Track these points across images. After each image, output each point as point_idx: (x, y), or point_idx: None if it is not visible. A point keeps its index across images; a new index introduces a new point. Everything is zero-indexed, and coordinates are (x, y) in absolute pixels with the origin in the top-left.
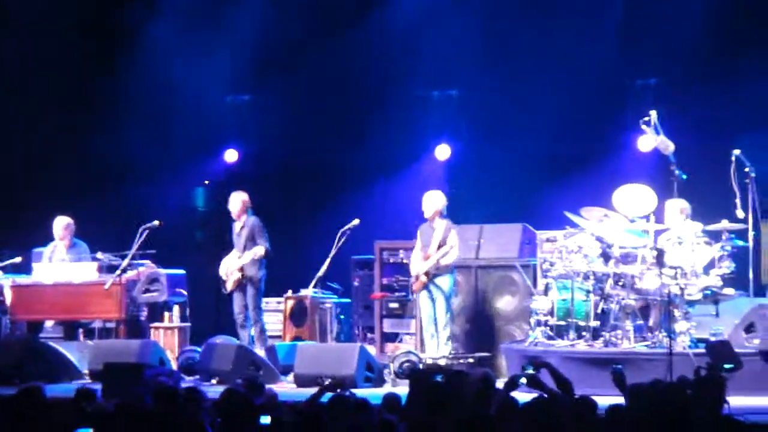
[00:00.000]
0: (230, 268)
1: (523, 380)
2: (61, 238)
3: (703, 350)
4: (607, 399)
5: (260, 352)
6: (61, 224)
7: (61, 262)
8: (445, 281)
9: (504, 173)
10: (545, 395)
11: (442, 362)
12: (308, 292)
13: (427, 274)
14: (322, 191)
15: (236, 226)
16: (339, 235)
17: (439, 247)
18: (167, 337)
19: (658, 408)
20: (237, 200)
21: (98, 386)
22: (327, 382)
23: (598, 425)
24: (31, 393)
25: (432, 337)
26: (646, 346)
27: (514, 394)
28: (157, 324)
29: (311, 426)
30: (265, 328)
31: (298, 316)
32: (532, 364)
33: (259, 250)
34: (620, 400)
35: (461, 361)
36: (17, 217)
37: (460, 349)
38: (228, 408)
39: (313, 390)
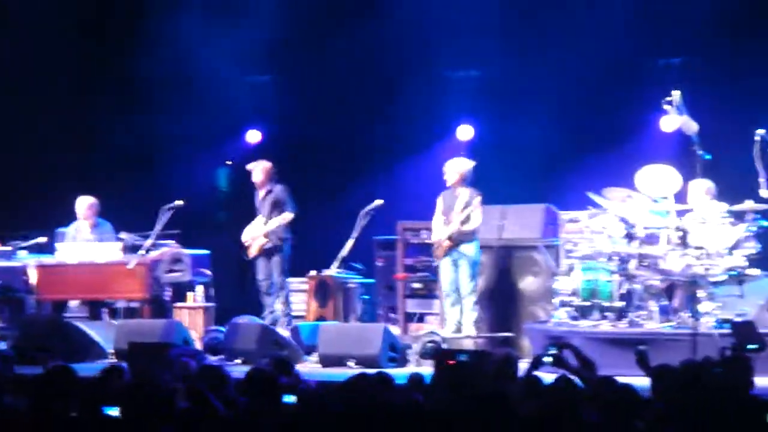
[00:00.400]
0: (255, 233)
1: (548, 359)
2: (85, 217)
3: (727, 331)
4: (631, 380)
5: (284, 332)
6: (85, 204)
7: (85, 242)
8: (470, 248)
9: (526, 153)
10: (568, 375)
11: (466, 342)
12: (331, 272)
13: (450, 239)
14: (345, 172)
15: (260, 194)
16: (362, 215)
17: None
18: (191, 317)
19: (684, 389)
20: (259, 169)
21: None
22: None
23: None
24: (60, 372)
25: (453, 306)
26: (670, 326)
27: (539, 373)
28: (180, 304)
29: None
30: (289, 297)
31: (321, 296)
32: (556, 345)
33: (288, 216)
34: (644, 380)
35: (485, 340)
36: (41, 198)
37: (483, 328)
38: (253, 387)
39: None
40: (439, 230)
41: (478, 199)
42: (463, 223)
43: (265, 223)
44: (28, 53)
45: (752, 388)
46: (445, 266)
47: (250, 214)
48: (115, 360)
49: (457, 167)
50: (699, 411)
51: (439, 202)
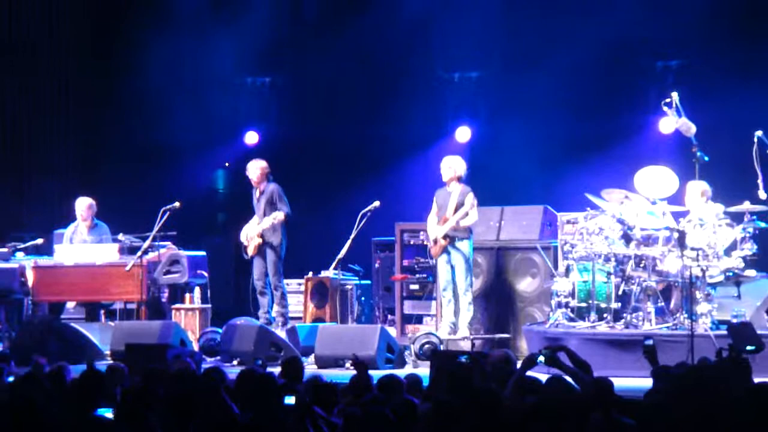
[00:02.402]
0: (250, 233)
1: (541, 359)
2: (84, 218)
3: (724, 332)
4: (628, 381)
5: (281, 333)
6: (84, 204)
7: (83, 244)
8: (464, 245)
9: (525, 155)
10: (563, 374)
11: (463, 343)
12: (329, 273)
13: (446, 237)
14: (343, 173)
15: (256, 193)
16: (359, 216)
17: (456, 210)
18: (188, 319)
19: (686, 390)
20: (255, 168)
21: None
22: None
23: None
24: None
25: (449, 303)
26: (667, 327)
27: (533, 373)
28: (178, 305)
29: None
30: (286, 294)
31: (318, 297)
32: (549, 349)
33: (279, 215)
34: (641, 381)
35: (481, 341)
36: (39, 199)
37: (480, 329)
38: (245, 389)
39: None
40: (433, 229)
41: (472, 195)
42: (459, 220)
43: (259, 222)
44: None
45: None
46: (441, 265)
47: (247, 216)
48: (111, 362)
49: (451, 164)
50: (699, 412)
51: (435, 201)
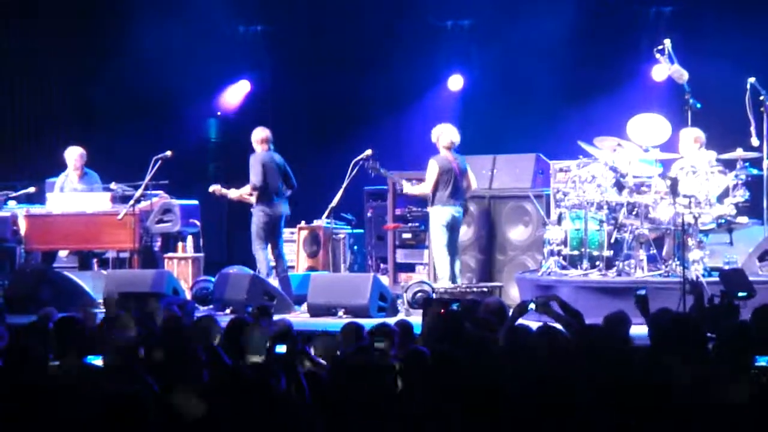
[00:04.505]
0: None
1: (532, 306)
2: (75, 168)
3: (716, 279)
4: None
5: (274, 282)
6: (75, 154)
7: (74, 192)
8: (432, 210)
9: (517, 103)
10: (553, 323)
11: (446, 285)
12: (321, 222)
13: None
14: (335, 122)
15: None
16: (352, 165)
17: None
18: (181, 268)
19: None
20: (252, 136)
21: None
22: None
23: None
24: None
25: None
26: (659, 275)
27: (525, 321)
28: (170, 254)
29: None
30: (283, 254)
31: (311, 246)
32: (541, 298)
33: (246, 188)
34: (633, 329)
35: (474, 290)
36: (31, 148)
37: (473, 278)
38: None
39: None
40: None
41: (430, 163)
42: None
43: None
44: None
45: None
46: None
47: (239, 166)
48: (104, 310)
49: (433, 132)
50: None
51: None
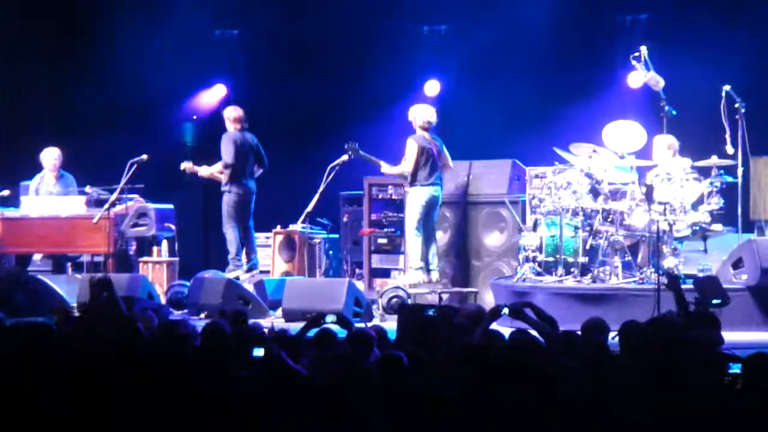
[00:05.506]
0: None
1: (505, 311)
2: (51, 169)
3: (691, 286)
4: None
5: (249, 287)
6: (53, 155)
7: (49, 195)
8: (412, 191)
9: (494, 109)
10: (528, 327)
11: (421, 290)
12: (297, 227)
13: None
14: (311, 126)
15: None
16: (328, 170)
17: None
18: (156, 272)
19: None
20: (224, 113)
21: None
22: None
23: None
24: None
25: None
26: (634, 282)
27: (498, 327)
28: (145, 258)
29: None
30: (233, 240)
31: (286, 251)
32: (516, 303)
33: (216, 166)
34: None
35: (449, 290)
36: (6, 151)
37: (448, 284)
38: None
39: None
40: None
41: (408, 142)
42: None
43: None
44: None
45: (722, 343)
46: None
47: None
48: (78, 314)
49: (410, 112)
50: (665, 366)
51: None
